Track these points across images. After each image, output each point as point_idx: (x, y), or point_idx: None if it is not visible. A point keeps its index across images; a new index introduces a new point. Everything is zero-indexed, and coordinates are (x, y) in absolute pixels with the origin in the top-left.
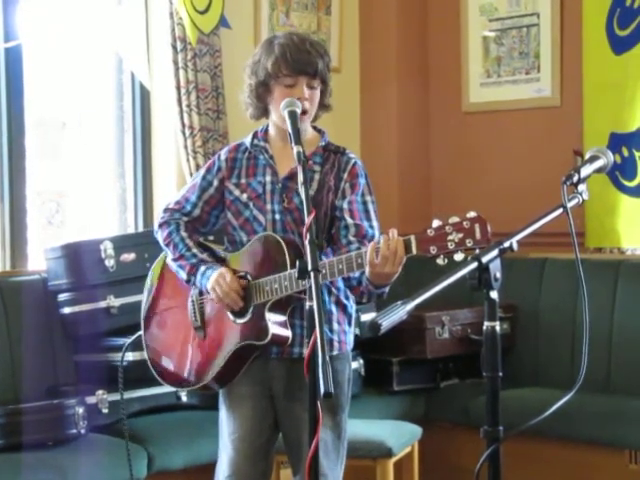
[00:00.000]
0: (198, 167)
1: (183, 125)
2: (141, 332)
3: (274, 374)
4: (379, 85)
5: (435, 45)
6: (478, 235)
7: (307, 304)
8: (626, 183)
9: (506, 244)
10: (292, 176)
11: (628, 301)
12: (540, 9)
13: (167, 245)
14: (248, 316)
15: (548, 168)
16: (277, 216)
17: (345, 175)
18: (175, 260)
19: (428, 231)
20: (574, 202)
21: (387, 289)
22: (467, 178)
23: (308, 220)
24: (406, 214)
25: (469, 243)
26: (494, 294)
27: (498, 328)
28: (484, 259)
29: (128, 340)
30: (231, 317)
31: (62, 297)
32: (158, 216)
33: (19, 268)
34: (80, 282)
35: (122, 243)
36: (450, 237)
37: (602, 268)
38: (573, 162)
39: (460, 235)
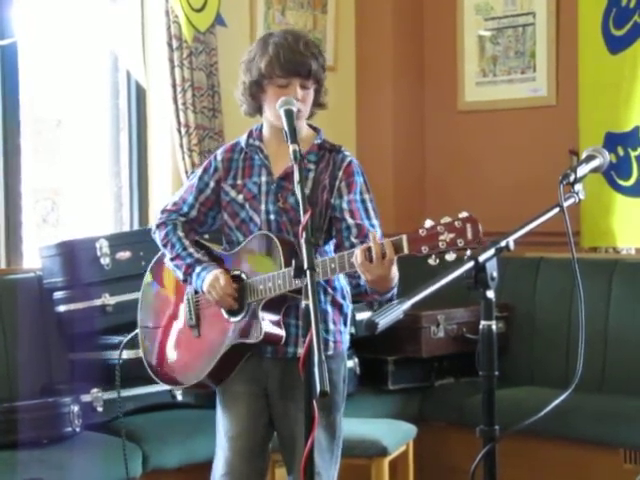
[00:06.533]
0: (194, 165)
1: (179, 123)
2: (137, 330)
3: (269, 373)
4: (375, 84)
5: (431, 44)
6: (469, 235)
7: (303, 303)
8: (621, 183)
9: (502, 243)
10: (287, 176)
11: (623, 301)
12: (536, 8)
13: (164, 245)
14: (242, 314)
15: (543, 167)
16: (272, 216)
17: (340, 173)
18: (172, 260)
19: (420, 231)
20: (570, 201)
21: (393, 293)
22: (462, 177)
23: (304, 219)
24: (401, 213)
25: (460, 243)
26: (490, 293)
27: (494, 327)
28: (481, 258)
29: (123, 338)
30: (225, 315)
31: (57, 295)
32: (155, 217)
33: (14, 266)
34: (75, 280)
35: (117, 241)
36: (442, 237)
37: (597, 268)
38: (569, 161)
39: (452, 235)
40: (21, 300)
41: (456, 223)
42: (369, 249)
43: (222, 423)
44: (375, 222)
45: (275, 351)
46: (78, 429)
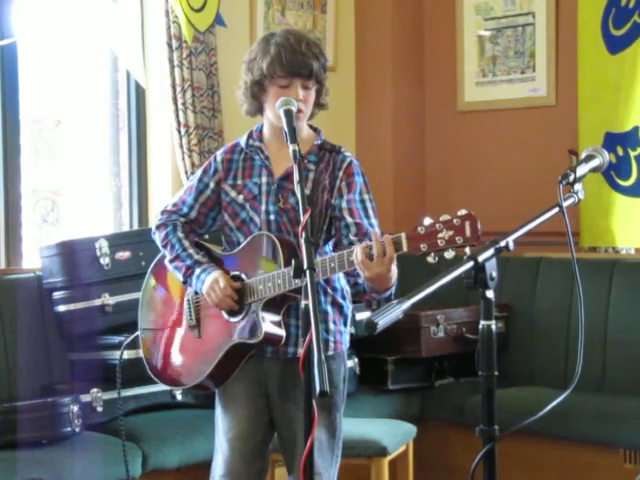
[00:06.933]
0: (193, 165)
1: (178, 123)
2: (138, 332)
3: (269, 373)
4: (374, 84)
5: (430, 44)
6: (468, 233)
7: (302, 303)
8: (621, 182)
9: (502, 243)
10: (287, 176)
11: (622, 300)
12: (535, 8)
13: (164, 246)
14: (242, 315)
15: (543, 167)
16: (272, 217)
17: (340, 173)
18: (172, 261)
19: (419, 229)
20: (570, 201)
21: (392, 292)
22: (462, 177)
23: (304, 219)
24: (400, 213)
25: (459, 240)
26: (490, 293)
27: (494, 327)
28: (480, 258)
29: (123, 338)
30: (225, 316)
31: (57, 295)
32: (155, 218)
33: (14, 266)
34: (75, 280)
35: (117, 241)
36: (440, 235)
37: (597, 267)
38: (568, 161)
39: (450, 233)
40: (21, 300)
41: (455, 221)
42: (370, 247)
43: (222, 423)
44: (374, 221)
45: (275, 351)
46: (78, 429)
